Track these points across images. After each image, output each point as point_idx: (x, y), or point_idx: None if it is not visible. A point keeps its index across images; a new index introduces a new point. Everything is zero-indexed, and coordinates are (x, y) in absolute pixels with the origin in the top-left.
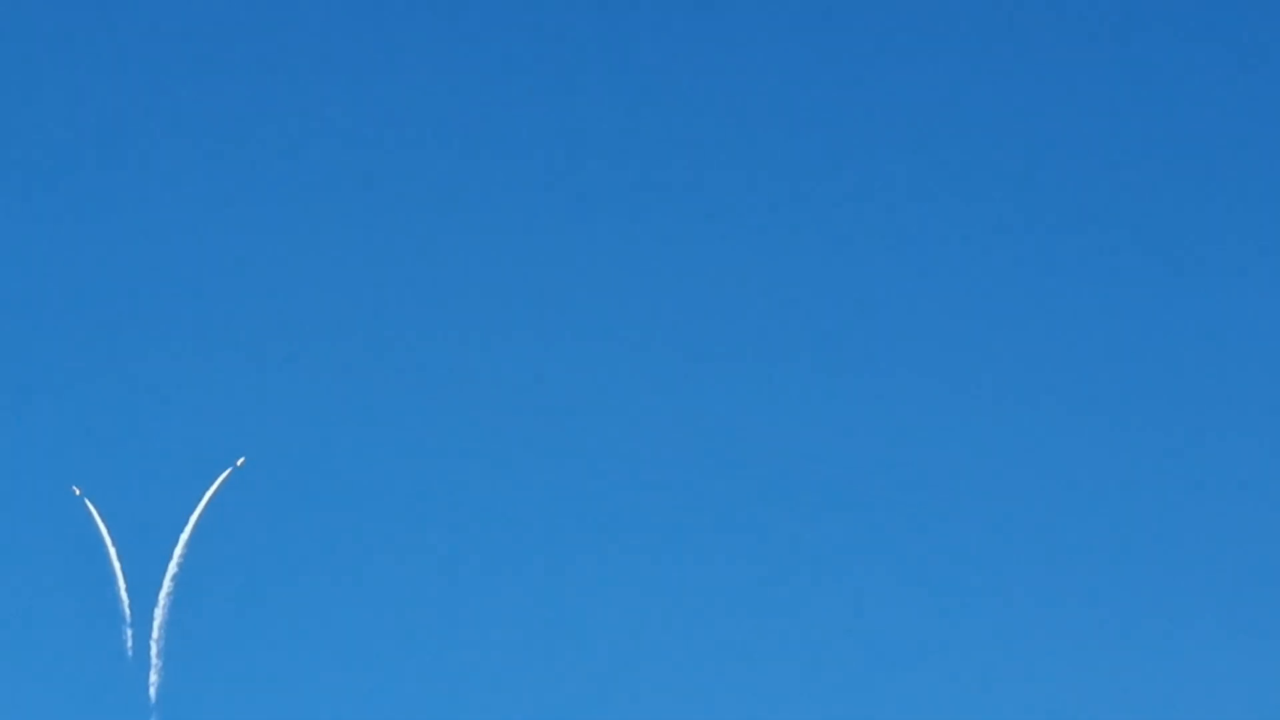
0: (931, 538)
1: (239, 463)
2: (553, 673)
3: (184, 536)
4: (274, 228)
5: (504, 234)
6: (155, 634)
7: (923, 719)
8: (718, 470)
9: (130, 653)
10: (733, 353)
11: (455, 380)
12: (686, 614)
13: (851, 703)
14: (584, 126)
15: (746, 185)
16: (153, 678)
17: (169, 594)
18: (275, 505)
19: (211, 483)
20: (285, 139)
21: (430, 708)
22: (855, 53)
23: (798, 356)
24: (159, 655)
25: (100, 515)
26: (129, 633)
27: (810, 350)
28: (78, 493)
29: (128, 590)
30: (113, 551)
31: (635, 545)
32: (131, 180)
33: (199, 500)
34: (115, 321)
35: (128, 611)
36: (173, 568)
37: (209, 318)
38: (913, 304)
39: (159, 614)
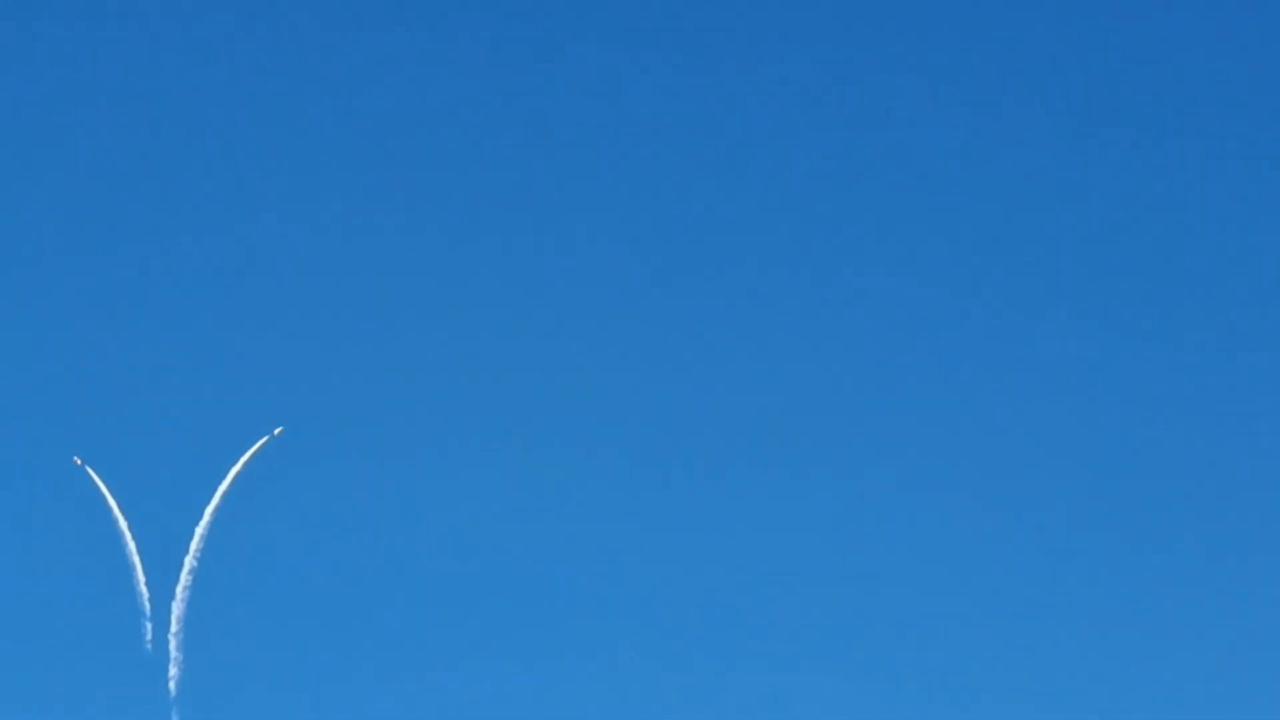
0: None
1: (276, 432)
2: (585, 654)
3: (200, 530)
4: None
5: (522, 221)
6: (174, 628)
7: None
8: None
9: (149, 646)
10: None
11: (471, 371)
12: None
13: None
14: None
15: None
16: (172, 671)
17: (186, 587)
18: (293, 496)
19: (229, 469)
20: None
21: (455, 701)
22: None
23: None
24: (178, 649)
25: (107, 487)
26: (148, 626)
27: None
28: (78, 462)
29: (147, 583)
30: (131, 544)
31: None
32: (163, 155)
33: (218, 487)
34: (130, 310)
35: (147, 605)
36: (190, 561)
37: (226, 303)
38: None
39: (177, 607)
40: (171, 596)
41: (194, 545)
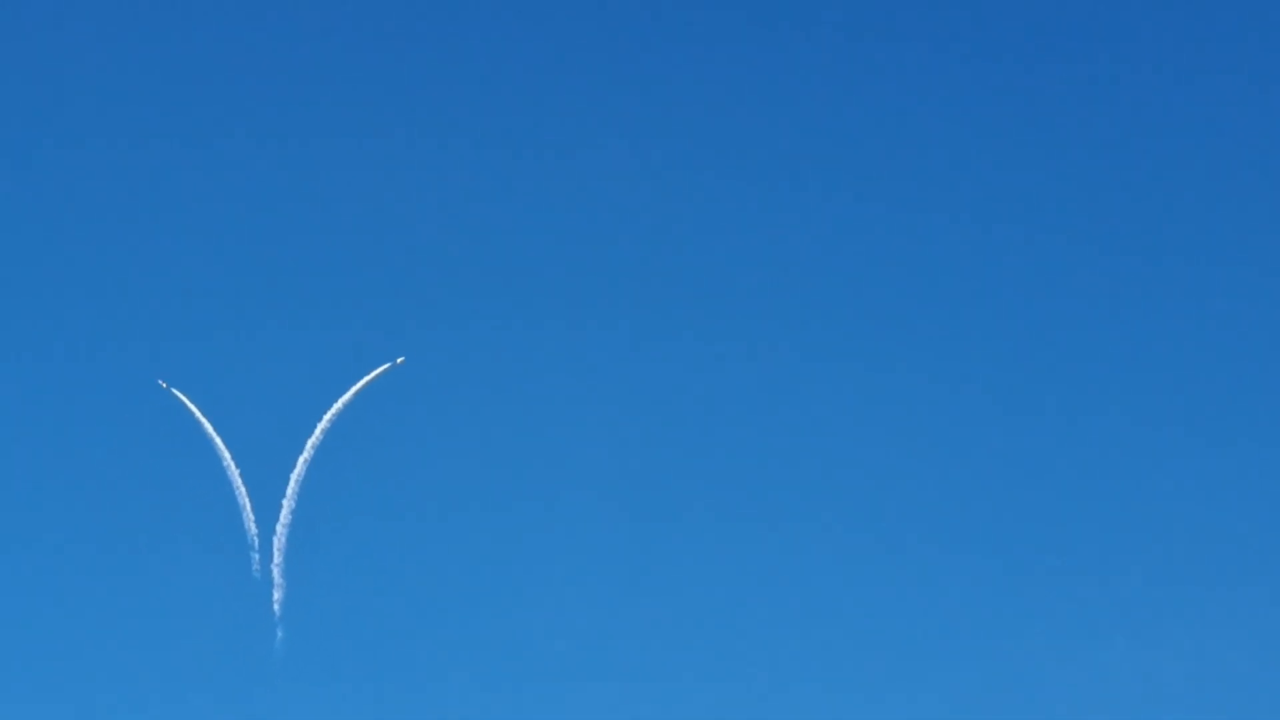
0: None
1: (399, 360)
2: (692, 604)
3: (296, 474)
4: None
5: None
6: (276, 559)
7: None
8: None
9: (257, 574)
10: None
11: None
12: None
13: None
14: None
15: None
16: (276, 595)
17: (286, 525)
18: (394, 430)
19: (334, 401)
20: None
21: (553, 627)
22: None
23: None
24: (281, 576)
25: (196, 408)
26: (255, 557)
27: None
28: (164, 385)
29: (254, 513)
30: (241, 486)
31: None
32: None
33: (321, 419)
34: (228, 255)
35: (255, 539)
36: (288, 503)
37: (319, 238)
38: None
39: (278, 541)
40: (273, 532)
41: (291, 487)
